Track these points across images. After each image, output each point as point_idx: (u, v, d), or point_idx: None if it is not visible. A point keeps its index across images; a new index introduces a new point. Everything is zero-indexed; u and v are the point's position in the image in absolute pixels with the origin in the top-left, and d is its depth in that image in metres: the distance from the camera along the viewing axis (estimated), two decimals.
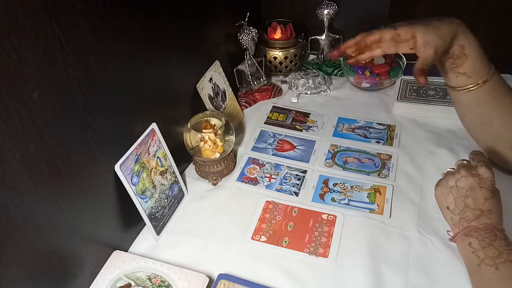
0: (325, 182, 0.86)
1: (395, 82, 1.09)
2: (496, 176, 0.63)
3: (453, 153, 0.89)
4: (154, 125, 0.74)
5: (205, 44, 0.93)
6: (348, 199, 0.82)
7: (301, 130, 1.00)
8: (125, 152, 0.68)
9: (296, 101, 1.08)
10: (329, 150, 0.93)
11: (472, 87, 0.73)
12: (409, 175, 0.86)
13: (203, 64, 0.92)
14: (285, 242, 0.75)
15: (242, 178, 0.88)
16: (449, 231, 0.66)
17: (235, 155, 0.93)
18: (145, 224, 0.74)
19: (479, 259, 0.58)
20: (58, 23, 0.50)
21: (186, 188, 0.85)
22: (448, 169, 0.67)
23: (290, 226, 0.78)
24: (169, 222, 0.79)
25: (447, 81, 0.77)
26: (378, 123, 0.99)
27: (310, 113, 1.04)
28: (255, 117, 1.04)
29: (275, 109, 1.06)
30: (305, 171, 0.89)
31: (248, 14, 0.99)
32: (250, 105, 1.08)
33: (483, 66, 0.72)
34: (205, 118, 0.84)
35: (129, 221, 0.74)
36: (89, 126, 0.60)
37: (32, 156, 0.51)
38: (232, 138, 0.86)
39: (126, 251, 0.74)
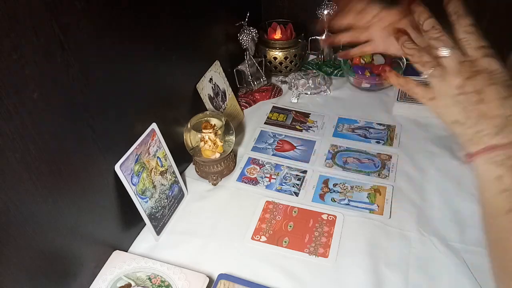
0: (325, 182, 0.86)
1: None
2: None
3: (453, 153, 0.89)
4: (154, 125, 0.74)
5: (205, 44, 0.93)
6: (348, 199, 0.82)
7: (301, 130, 1.00)
8: (125, 152, 0.68)
9: (296, 101, 1.08)
10: (329, 150, 0.93)
11: None
12: (409, 175, 0.86)
13: (203, 64, 0.92)
14: (285, 242, 0.75)
15: (242, 178, 0.88)
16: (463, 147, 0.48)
17: (235, 155, 0.93)
18: (145, 224, 0.74)
19: (511, 203, 0.40)
20: (58, 23, 0.50)
21: (186, 188, 0.85)
22: (431, 70, 0.47)
23: (290, 226, 0.78)
24: (169, 222, 0.79)
25: None
26: (378, 124, 0.99)
27: (310, 113, 1.04)
28: (255, 117, 1.04)
29: (275, 109, 1.06)
30: (305, 171, 0.89)
31: (248, 14, 0.99)
32: (250, 105, 1.08)
33: None
34: (205, 118, 0.84)
35: (129, 221, 0.74)
36: (89, 126, 0.60)
37: (32, 156, 0.51)
38: (232, 138, 0.86)
39: (126, 251, 0.74)
